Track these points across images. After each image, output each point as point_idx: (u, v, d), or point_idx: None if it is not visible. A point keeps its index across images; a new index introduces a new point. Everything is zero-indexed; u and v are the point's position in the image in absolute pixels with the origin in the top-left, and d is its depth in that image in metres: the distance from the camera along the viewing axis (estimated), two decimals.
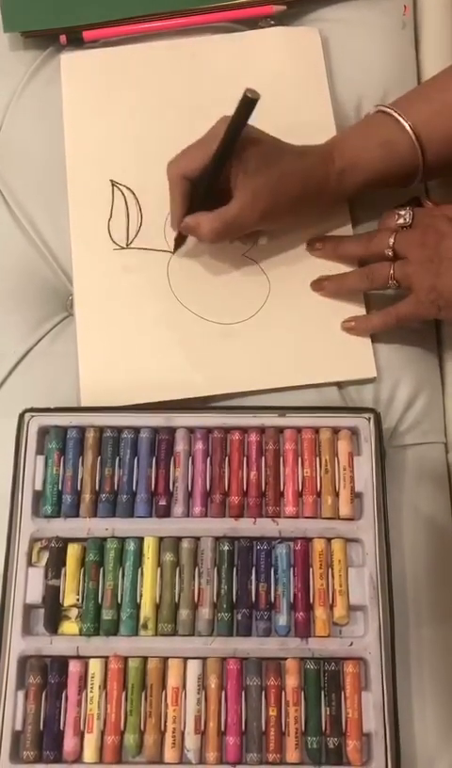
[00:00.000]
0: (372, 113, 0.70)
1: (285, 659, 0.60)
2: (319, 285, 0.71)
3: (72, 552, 0.63)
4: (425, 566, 0.65)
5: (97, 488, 0.64)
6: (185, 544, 0.63)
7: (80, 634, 0.61)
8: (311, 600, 0.62)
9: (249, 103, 0.61)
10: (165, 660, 0.60)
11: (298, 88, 0.76)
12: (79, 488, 0.64)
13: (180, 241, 0.71)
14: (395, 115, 0.67)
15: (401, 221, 0.66)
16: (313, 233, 0.73)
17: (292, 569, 0.63)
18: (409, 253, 0.64)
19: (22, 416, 0.65)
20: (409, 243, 0.65)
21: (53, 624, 0.62)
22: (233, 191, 0.65)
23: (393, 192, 0.72)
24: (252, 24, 0.79)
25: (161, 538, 0.63)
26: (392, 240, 0.65)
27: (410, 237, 0.65)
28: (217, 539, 0.63)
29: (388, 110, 0.68)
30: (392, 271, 0.65)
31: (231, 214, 0.65)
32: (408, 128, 0.66)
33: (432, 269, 0.63)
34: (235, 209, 0.65)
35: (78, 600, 0.62)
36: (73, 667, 0.60)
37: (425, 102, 0.68)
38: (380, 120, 0.68)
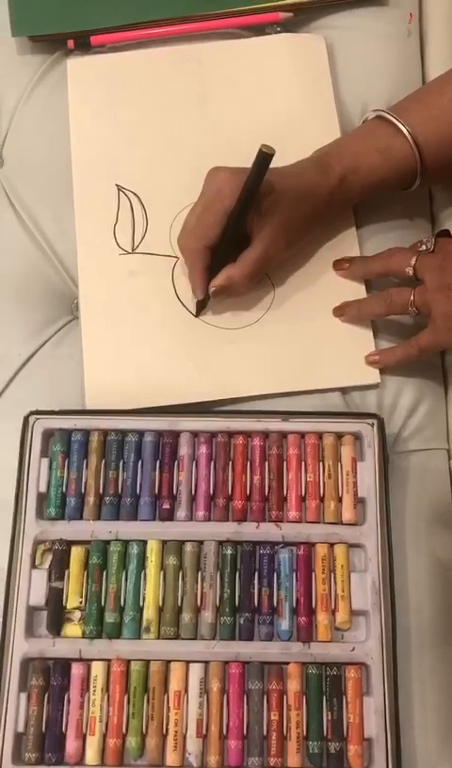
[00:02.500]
0: (370, 118, 0.71)
1: (287, 663, 0.61)
2: (341, 311, 0.71)
3: (76, 554, 0.63)
4: (427, 571, 0.65)
5: (101, 490, 0.65)
6: (189, 548, 0.63)
7: (83, 637, 0.61)
8: (313, 605, 0.62)
9: (265, 158, 0.61)
10: (167, 663, 0.61)
11: (304, 95, 0.77)
12: (83, 490, 0.65)
13: (203, 304, 0.70)
14: (393, 120, 0.67)
15: (423, 248, 0.66)
16: (316, 237, 0.73)
17: (295, 574, 0.63)
18: (426, 276, 0.65)
19: (26, 419, 0.65)
20: (428, 265, 0.65)
21: (56, 626, 0.62)
22: (251, 234, 0.66)
23: (397, 197, 0.73)
24: (259, 30, 0.79)
25: (164, 542, 0.63)
26: (413, 259, 0.65)
27: (430, 260, 0.65)
28: (221, 543, 0.63)
29: (386, 115, 0.68)
30: (412, 297, 0.65)
31: (258, 255, 0.66)
32: (406, 132, 0.67)
33: (450, 296, 0.63)
34: (261, 250, 0.66)
35: (81, 602, 0.62)
36: (76, 670, 0.60)
37: (422, 106, 0.69)
38: (378, 125, 0.69)
